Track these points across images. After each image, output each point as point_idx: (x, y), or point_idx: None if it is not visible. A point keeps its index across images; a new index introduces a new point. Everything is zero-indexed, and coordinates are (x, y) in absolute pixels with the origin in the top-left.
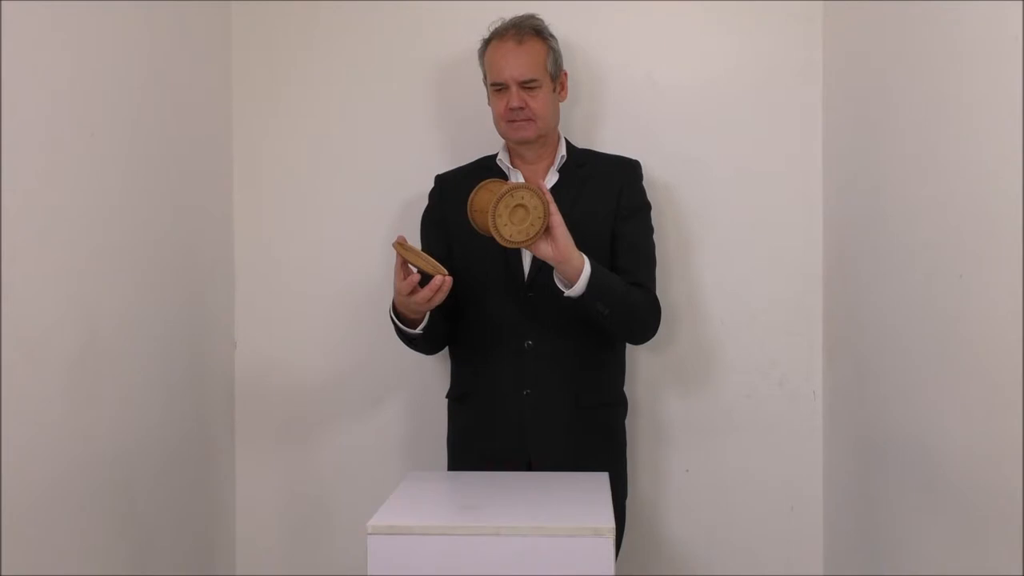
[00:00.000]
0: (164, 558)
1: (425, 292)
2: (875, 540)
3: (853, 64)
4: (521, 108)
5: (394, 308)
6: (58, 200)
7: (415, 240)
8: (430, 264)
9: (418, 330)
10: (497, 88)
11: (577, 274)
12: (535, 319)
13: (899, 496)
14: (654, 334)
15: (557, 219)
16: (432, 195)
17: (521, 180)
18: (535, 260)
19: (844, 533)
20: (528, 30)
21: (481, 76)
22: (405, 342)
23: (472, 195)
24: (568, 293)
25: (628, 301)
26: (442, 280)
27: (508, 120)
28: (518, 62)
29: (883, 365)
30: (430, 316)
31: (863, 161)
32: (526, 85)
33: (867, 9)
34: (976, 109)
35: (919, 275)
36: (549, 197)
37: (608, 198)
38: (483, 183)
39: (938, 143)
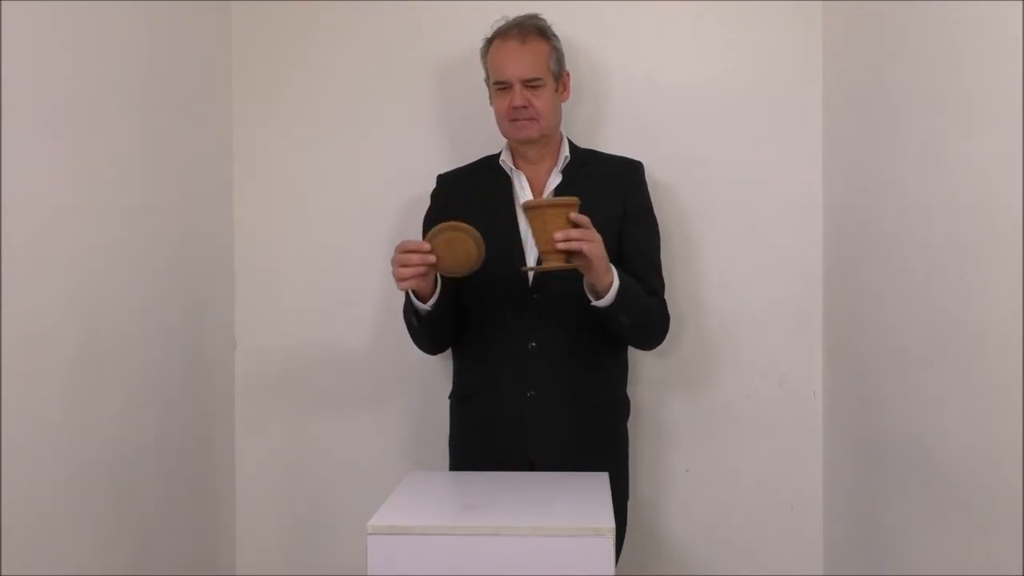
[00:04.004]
0: (164, 558)
1: (408, 271)
2: (875, 540)
3: (853, 64)
4: (524, 107)
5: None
6: (58, 200)
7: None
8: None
9: (428, 305)
10: (501, 87)
11: (606, 287)
12: (539, 320)
13: (899, 496)
14: (663, 341)
15: (597, 250)
16: (435, 195)
17: (524, 182)
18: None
19: (844, 533)
20: (532, 29)
21: (483, 76)
22: (412, 324)
23: (534, 214)
24: (595, 303)
25: (648, 312)
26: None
27: (511, 119)
28: (522, 61)
29: (883, 365)
30: (440, 295)
31: (863, 161)
32: (529, 84)
33: (867, 9)
34: (976, 109)
35: (919, 275)
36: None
37: (613, 201)
38: (545, 209)
39: (938, 143)
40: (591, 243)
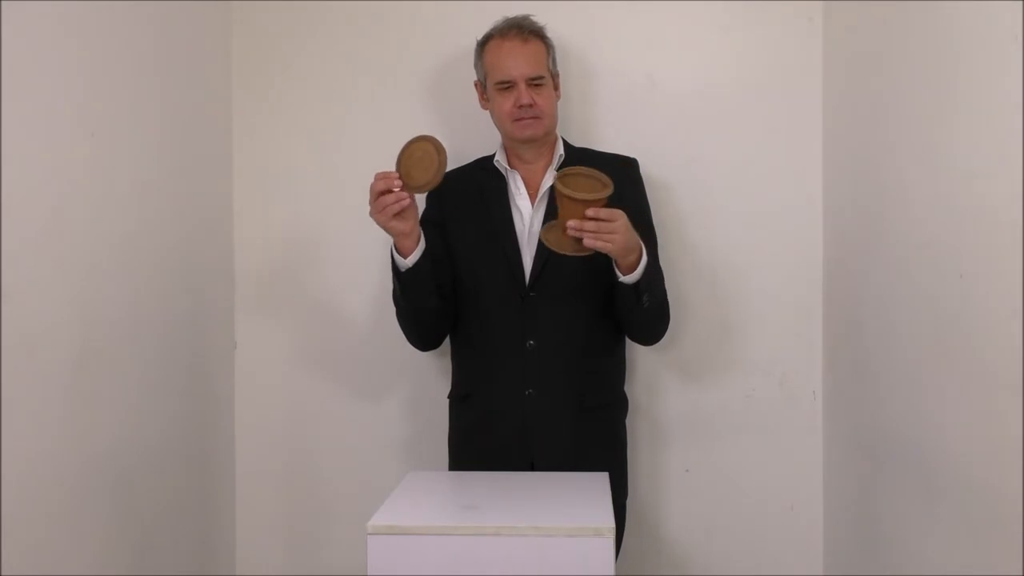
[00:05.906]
0: (164, 558)
1: (390, 197)
2: (875, 540)
3: (853, 64)
4: (531, 105)
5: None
6: (58, 200)
7: None
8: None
9: (409, 260)
10: (505, 86)
11: (629, 267)
12: (537, 319)
13: (899, 496)
14: (663, 336)
15: (616, 247)
16: (430, 197)
17: (519, 182)
18: (537, 260)
19: (844, 533)
20: (530, 30)
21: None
22: (398, 300)
23: (560, 198)
24: (623, 279)
25: (664, 294)
26: (401, 185)
27: (516, 119)
28: (526, 59)
29: (883, 365)
30: (423, 254)
31: (863, 161)
32: (534, 82)
33: (867, 9)
34: (976, 109)
35: (919, 275)
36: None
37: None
38: (564, 199)
39: (938, 143)
40: (605, 242)
